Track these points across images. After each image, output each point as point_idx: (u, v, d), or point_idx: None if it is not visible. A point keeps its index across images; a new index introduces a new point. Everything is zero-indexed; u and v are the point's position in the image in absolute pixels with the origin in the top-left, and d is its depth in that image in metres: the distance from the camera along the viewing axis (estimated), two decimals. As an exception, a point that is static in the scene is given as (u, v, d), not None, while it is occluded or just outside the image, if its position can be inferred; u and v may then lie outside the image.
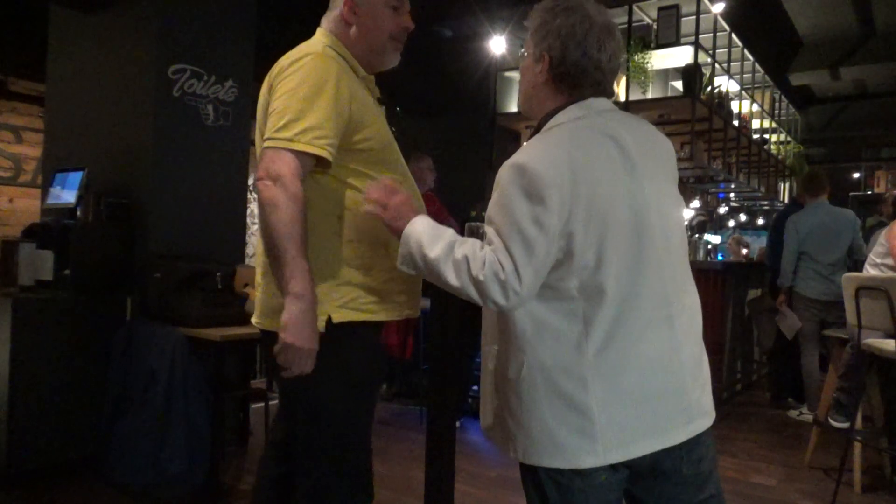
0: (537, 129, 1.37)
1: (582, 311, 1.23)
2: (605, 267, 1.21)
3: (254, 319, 1.69)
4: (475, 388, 4.54)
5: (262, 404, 3.58)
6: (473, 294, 1.24)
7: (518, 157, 1.24)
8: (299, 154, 1.43)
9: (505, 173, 1.24)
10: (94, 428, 3.12)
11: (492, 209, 1.27)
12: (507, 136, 6.24)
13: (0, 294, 3.01)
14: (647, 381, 1.24)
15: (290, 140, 1.42)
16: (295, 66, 1.51)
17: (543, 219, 1.19)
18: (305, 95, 1.46)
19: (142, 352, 2.99)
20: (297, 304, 1.39)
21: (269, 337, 1.61)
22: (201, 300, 2.95)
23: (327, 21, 1.67)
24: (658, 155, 1.35)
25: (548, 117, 1.35)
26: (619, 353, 1.22)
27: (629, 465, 1.28)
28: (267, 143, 1.44)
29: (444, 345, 2.28)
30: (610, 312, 1.22)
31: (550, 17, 1.33)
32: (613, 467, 1.27)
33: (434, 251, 1.29)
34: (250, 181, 4.40)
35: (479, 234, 2.26)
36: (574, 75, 1.32)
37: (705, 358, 1.36)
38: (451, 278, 1.26)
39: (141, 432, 2.89)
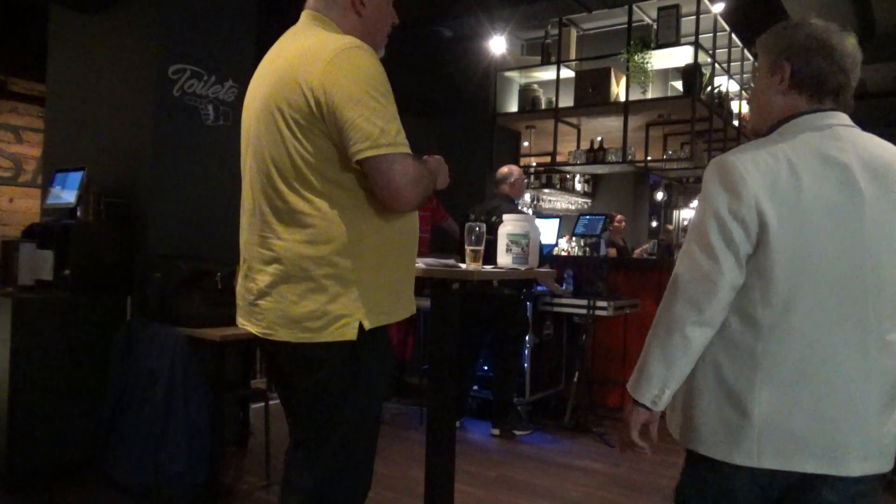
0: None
1: (763, 319, 1.24)
2: (797, 284, 1.22)
3: (259, 331, 1.57)
4: (475, 388, 4.53)
5: (263, 404, 3.57)
6: (678, 303, 1.28)
7: (723, 155, 1.29)
8: (402, 156, 1.46)
9: (707, 170, 1.30)
10: (94, 428, 3.11)
11: (697, 206, 1.33)
12: (507, 136, 6.24)
13: (0, 294, 3.01)
14: (821, 401, 1.22)
15: (393, 144, 1.44)
16: (348, 63, 1.45)
17: (738, 209, 1.22)
18: (383, 94, 1.47)
19: (142, 352, 2.99)
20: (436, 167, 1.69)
21: (281, 346, 1.55)
22: (201, 300, 2.95)
23: (325, 6, 1.61)
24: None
25: (779, 123, 1.34)
26: (794, 367, 1.23)
27: (781, 485, 1.27)
28: (373, 152, 1.43)
29: (444, 345, 2.28)
30: (794, 327, 1.22)
31: (783, 31, 1.35)
32: (762, 481, 1.26)
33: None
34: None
35: (478, 234, 2.26)
36: (816, 79, 1.31)
37: None
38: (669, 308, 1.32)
39: (141, 432, 2.89)
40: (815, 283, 1.22)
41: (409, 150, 1.48)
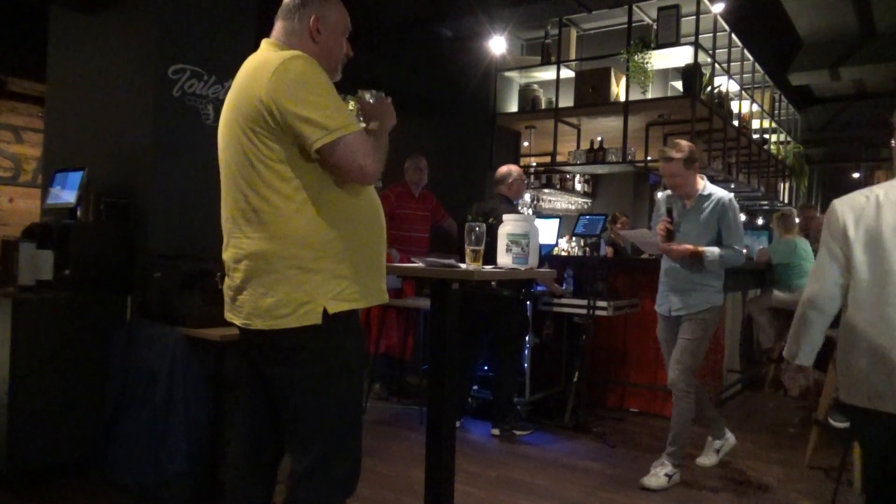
0: None
1: (851, 301, 1.86)
2: (874, 277, 1.79)
3: (241, 322, 1.75)
4: (475, 388, 4.53)
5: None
6: (804, 296, 1.99)
7: (835, 200, 1.92)
8: (352, 134, 1.65)
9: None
10: (95, 428, 3.11)
11: None
12: (506, 136, 6.24)
13: (0, 294, 3.01)
14: (877, 360, 1.76)
15: (343, 127, 1.63)
16: (288, 71, 1.63)
17: (835, 235, 1.88)
18: (323, 89, 1.65)
19: (142, 352, 2.99)
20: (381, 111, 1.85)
21: (259, 336, 1.72)
22: (201, 300, 2.95)
23: (285, 35, 1.79)
24: None
25: None
26: (876, 336, 1.78)
27: None
28: (328, 139, 1.62)
29: (444, 345, 2.28)
30: (860, 302, 1.81)
31: None
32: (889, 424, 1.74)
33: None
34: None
35: (478, 234, 2.27)
36: None
37: None
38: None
39: (141, 432, 2.89)
40: (887, 275, 1.76)
41: (356, 127, 1.66)
